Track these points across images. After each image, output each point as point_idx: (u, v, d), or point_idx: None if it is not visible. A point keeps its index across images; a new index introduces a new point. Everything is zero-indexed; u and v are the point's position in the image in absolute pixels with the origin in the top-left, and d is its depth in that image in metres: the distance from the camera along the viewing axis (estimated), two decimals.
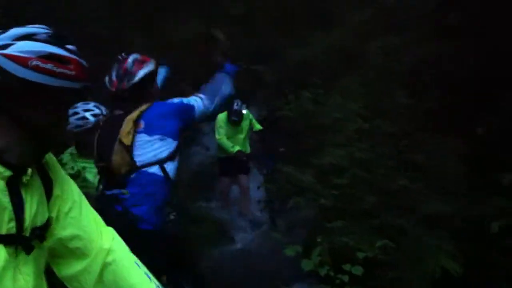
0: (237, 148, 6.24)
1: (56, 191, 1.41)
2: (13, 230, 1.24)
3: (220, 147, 6.44)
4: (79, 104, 3.41)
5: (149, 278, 1.49)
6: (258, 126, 6.80)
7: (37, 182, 1.34)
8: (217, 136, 6.39)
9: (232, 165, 6.36)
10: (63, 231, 1.42)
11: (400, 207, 4.79)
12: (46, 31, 1.29)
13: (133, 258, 1.53)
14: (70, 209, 1.44)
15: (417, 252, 4.23)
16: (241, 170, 6.54)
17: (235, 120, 6.39)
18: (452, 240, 4.27)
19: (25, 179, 1.27)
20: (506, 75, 5.06)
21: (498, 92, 5.27)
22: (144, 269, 1.51)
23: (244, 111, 6.44)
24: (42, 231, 1.34)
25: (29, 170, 1.28)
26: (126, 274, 1.47)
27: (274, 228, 5.82)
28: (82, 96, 1.41)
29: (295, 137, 7.22)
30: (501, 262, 3.95)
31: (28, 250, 1.28)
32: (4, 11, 6.03)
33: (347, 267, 4.06)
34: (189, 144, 7.77)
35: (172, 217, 3.49)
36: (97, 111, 3.44)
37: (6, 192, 1.22)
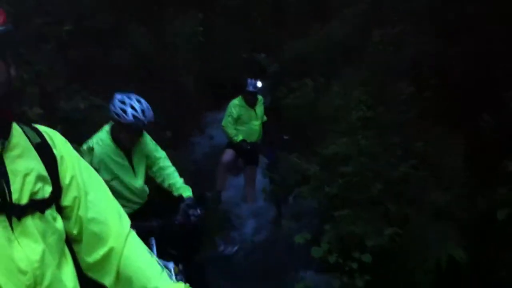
0: (241, 137, 6.10)
1: (66, 170, 1.44)
2: None
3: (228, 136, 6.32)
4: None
5: (162, 267, 1.50)
6: (264, 118, 6.70)
7: (31, 158, 1.36)
8: (223, 122, 6.24)
9: (241, 152, 6.26)
10: (84, 213, 1.45)
11: (405, 195, 4.85)
12: None
13: (145, 247, 1.55)
14: (86, 192, 1.47)
15: (423, 240, 4.29)
16: (250, 161, 6.47)
17: (252, 92, 6.12)
18: (457, 229, 4.34)
19: None
20: (504, 72, 5.10)
21: (498, 87, 5.31)
22: (156, 258, 1.53)
23: (259, 84, 6.29)
24: (44, 203, 1.35)
25: None
26: (138, 260, 1.49)
27: (279, 217, 5.86)
28: None
29: (299, 126, 7.27)
30: (507, 250, 4.01)
31: (18, 217, 1.28)
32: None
33: (356, 255, 4.12)
34: (193, 134, 7.79)
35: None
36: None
37: None
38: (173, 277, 3.24)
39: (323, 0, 9.85)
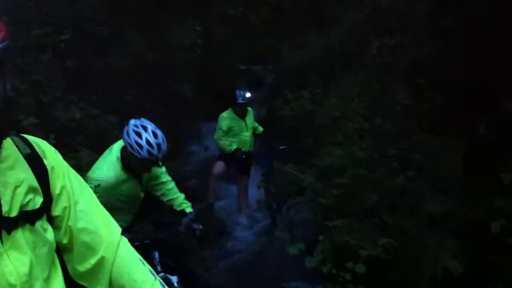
0: (234, 146, 6.12)
1: (57, 180, 1.42)
2: None
3: (220, 149, 6.35)
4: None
5: (154, 276, 1.49)
6: (260, 129, 6.69)
7: (21, 170, 1.34)
8: (215, 137, 6.28)
9: (233, 162, 6.28)
10: (74, 223, 1.43)
11: (401, 206, 4.82)
12: None
13: (137, 255, 1.53)
14: (76, 202, 1.45)
15: (418, 252, 4.26)
16: (243, 171, 6.47)
17: (241, 103, 6.18)
18: (452, 239, 4.31)
19: None
20: (501, 76, 5.11)
21: (495, 92, 5.31)
22: (148, 266, 1.51)
23: (248, 94, 6.30)
24: (34, 215, 1.33)
25: None
26: (131, 269, 1.47)
27: (274, 227, 5.82)
28: None
29: (294, 137, 7.25)
30: (502, 261, 3.98)
31: (8, 231, 1.26)
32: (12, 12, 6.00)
33: (349, 265, 4.08)
34: (188, 144, 7.77)
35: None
36: None
37: None
38: None
39: (321, 10, 9.87)
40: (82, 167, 4.07)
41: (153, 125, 3.33)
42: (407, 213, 4.71)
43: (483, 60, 5.40)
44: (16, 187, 1.31)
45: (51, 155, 1.44)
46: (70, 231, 1.43)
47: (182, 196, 3.76)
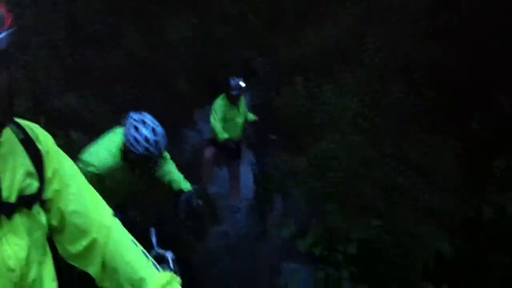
0: (226, 135, 6.15)
1: (50, 164, 1.42)
2: None
3: (213, 132, 6.39)
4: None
5: (146, 257, 1.48)
6: (252, 117, 6.75)
7: (18, 155, 1.35)
8: (211, 119, 6.32)
9: (223, 149, 6.33)
10: (65, 205, 1.44)
11: (396, 200, 4.84)
12: None
13: (130, 237, 1.53)
14: (68, 185, 1.45)
15: (411, 237, 4.28)
16: (233, 156, 6.52)
17: (235, 95, 6.19)
18: (446, 228, 4.33)
19: None
20: (496, 75, 5.16)
21: (491, 89, 5.36)
22: (140, 247, 1.51)
23: (243, 84, 6.35)
24: (32, 199, 1.34)
25: None
26: (123, 251, 1.47)
27: (267, 211, 5.83)
28: None
29: (289, 127, 7.26)
30: (494, 249, 4.01)
31: (8, 216, 1.28)
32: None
33: (341, 247, 4.09)
34: (182, 129, 7.77)
35: None
36: None
37: None
38: (172, 265, 3.23)
39: (318, 4, 9.89)
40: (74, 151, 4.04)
41: (155, 120, 3.22)
42: (400, 202, 4.73)
43: (479, 58, 5.45)
44: (15, 173, 1.31)
45: (44, 139, 1.44)
46: (60, 213, 1.43)
47: (181, 176, 3.64)
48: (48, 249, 1.43)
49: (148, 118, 3.21)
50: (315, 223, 4.52)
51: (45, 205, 1.41)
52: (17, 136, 1.38)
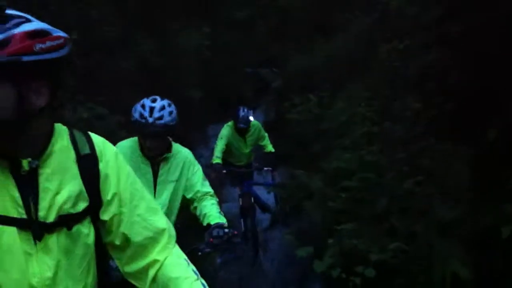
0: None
1: (108, 188, 1.42)
2: (24, 215, 1.27)
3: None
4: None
5: (197, 275, 1.47)
6: (269, 148, 6.56)
7: (67, 174, 1.35)
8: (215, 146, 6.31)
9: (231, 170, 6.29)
10: (129, 229, 1.44)
11: (410, 211, 4.81)
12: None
13: (182, 255, 1.54)
14: (135, 206, 1.46)
15: (428, 257, 4.25)
16: (242, 177, 6.45)
17: (242, 128, 6.16)
18: (462, 246, 4.29)
19: (21, 171, 1.27)
20: (507, 83, 5.08)
21: (504, 98, 5.29)
22: (192, 267, 1.50)
23: (251, 118, 6.33)
24: (73, 219, 1.34)
25: (25, 162, 1.27)
26: (175, 269, 1.47)
27: (284, 230, 5.82)
28: None
29: (302, 141, 7.25)
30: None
31: (39, 236, 1.28)
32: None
33: (359, 269, 4.07)
34: (195, 147, 7.79)
35: None
36: None
37: (9, 181, 1.26)
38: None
39: (328, 15, 9.87)
40: None
41: (165, 100, 3.12)
42: (416, 218, 4.69)
43: (492, 66, 5.39)
44: (56, 194, 1.32)
45: (110, 159, 1.44)
46: (124, 236, 1.45)
47: (216, 211, 3.13)
48: (92, 267, 1.43)
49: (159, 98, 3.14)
50: (332, 244, 4.49)
51: (105, 226, 1.43)
52: (80, 150, 1.39)
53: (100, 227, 1.43)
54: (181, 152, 3.24)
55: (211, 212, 3.08)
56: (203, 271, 1.63)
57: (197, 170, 3.24)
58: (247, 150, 6.37)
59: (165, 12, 9.13)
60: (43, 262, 1.29)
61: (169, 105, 3.07)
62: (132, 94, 7.06)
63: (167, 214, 3.07)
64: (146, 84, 7.33)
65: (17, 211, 1.26)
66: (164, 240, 1.50)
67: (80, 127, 4.16)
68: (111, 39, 7.46)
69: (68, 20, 6.76)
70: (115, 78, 6.99)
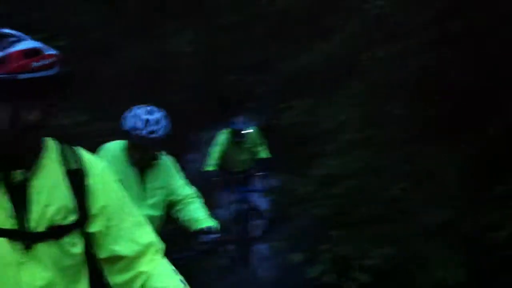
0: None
1: (96, 201, 1.44)
2: (16, 226, 1.29)
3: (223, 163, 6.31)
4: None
5: (184, 285, 1.51)
6: (262, 154, 6.49)
7: (58, 188, 1.38)
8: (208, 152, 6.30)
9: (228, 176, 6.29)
10: (115, 243, 1.47)
11: (400, 216, 4.83)
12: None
13: (170, 265, 1.56)
14: (122, 220, 1.49)
15: (421, 261, 4.27)
16: (239, 183, 6.44)
17: (239, 141, 6.17)
18: (456, 249, 4.31)
19: (13, 182, 1.31)
20: (507, 82, 5.11)
21: (502, 98, 5.31)
22: (180, 277, 1.54)
23: (249, 130, 6.32)
24: (62, 231, 1.36)
25: (17, 173, 1.31)
26: (162, 279, 1.51)
27: (274, 237, 5.81)
28: None
29: (289, 147, 7.26)
30: (506, 271, 3.99)
31: (29, 246, 1.30)
32: (4, 19, 5.94)
33: (355, 274, 4.07)
34: (188, 151, 7.76)
35: None
36: None
37: (1, 192, 1.29)
38: None
39: (323, 17, 9.88)
40: None
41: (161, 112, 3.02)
42: (407, 222, 4.71)
43: (489, 66, 5.41)
44: (47, 206, 1.34)
45: (97, 175, 1.46)
46: (110, 249, 1.47)
47: (203, 214, 3.10)
48: (83, 278, 1.45)
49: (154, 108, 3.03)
50: (324, 249, 4.49)
51: (91, 239, 1.44)
52: (70, 165, 1.42)
53: (89, 240, 1.45)
54: (164, 158, 3.20)
55: (199, 215, 3.06)
56: (194, 278, 1.63)
57: (178, 173, 3.23)
58: (243, 156, 6.36)
59: (157, 16, 9.08)
60: (34, 271, 1.31)
61: (165, 118, 3.01)
62: (124, 99, 7.02)
63: (159, 220, 3.11)
64: (138, 89, 7.27)
65: (8, 222, 1.28)
66: (151, 252, 1.53)
67: (73, 133, 4.02)
68: (102, 43, 7.41)
69: (59, 26, 6.71)
70: (106, 83, 6.94)
